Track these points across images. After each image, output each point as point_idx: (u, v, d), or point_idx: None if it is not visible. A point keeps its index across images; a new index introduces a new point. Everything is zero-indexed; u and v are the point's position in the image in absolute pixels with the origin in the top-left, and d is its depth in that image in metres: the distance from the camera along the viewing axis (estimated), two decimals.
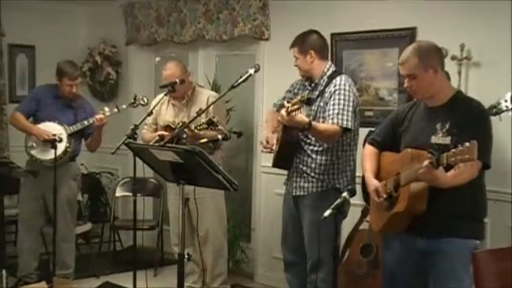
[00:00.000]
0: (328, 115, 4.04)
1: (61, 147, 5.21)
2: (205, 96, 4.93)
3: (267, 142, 4.34)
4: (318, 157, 4.17)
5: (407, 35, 4.71)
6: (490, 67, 4.27)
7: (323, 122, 4.06)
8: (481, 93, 3.89)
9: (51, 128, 5.22)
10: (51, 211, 5.27)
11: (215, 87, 5.95)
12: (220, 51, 6.28)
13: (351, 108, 4.03)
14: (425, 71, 3.16)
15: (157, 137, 4.65)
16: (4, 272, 4.60)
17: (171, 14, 6.36)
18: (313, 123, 3.91)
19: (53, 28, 6.89)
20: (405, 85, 3.28)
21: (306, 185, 4.23)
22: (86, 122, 5.25)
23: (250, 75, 3.99)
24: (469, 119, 3.08)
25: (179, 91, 4.82)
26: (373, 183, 3.37)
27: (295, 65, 4.33)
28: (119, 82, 6.98)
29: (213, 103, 4.35)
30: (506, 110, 3.13)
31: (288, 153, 4.23)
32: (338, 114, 4.00)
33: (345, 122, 3.99)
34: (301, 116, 3.84)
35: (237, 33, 5.77)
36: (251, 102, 5.95)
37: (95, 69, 6.96)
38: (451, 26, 4.32)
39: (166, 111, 4.99)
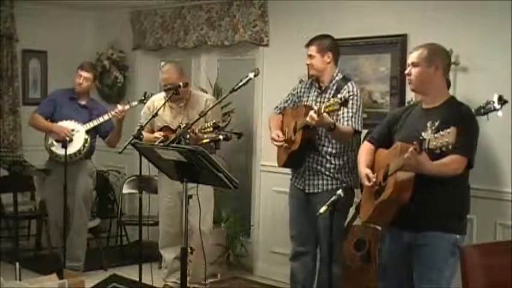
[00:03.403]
0: (343, 117, 4.12)
1: (79, 143, 5.27)
2: (203, 99, 4.89)
3: (278, 136, 4.34)
4: (333, 158, 4.23)
5: (398, 41, 4.72)
6: (477, 72, 4.27)
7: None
8: (468, 97, 3.90)
9: (69, 125, 5.29)
10: (70, 205, 5.31)
11: (217, 90, 5.95)
12: (222, 56, 6.28)
13: (361, 113, 4.17)
14: (428, 64, 3.22)
15: (162, 137, 4.63)
16: (17, 264, 4.59)
17: (175, 21, 6.36)
18: (337, 124, 4.01)
19: (64, 34, 6.89)
20: (406, 71, 3.33)
21: (320, 182, 4.27)
22: (101, 119, 5.31)
23: (250, 79, 3.99)
24: (456, 119, 3.09)
25: (180, 93, 4.77)
26: (364, 170, 3.40)
27: (308, 64, 4.32)
28: (126, 85, 6.98)
29: (214, 105, 4.33)
30: (494, 110, 3.14)
31: (302, 152, 4.25)
32: (352, 117, 4.11)
33: (357, 125, 4.14)
34: (329, 118, 3.89)
35: (238, 39, 5.77)
36: (251, 105, 5.94)
37: (103, 73, 6.95)
38: (440, 33, 4.31)
39: (163, 113, 4.88)
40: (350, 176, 4.28)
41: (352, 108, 4.12)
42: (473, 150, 3.16)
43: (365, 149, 3.56)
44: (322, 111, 3.80)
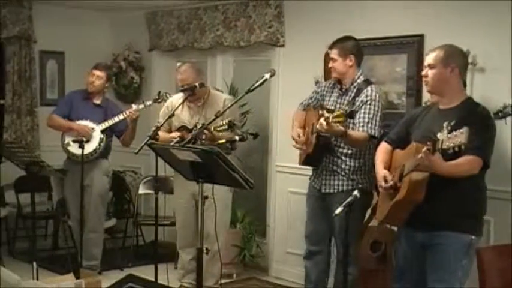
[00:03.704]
0: (359, 122, 4.11)
1: (95, 142, 5.33)
2: (221, 99, 4.88)
3: (299, 137, 4.35)
4: (348, 159, 4.24)
5: (415, 42, 4.69)
6: (495, 72, 4.23)
7: (352, 128, 4.11)
8: (486, 98, 3.86)
9: (85, 124, 5.35)
10: (86, 205, 5.36)
11: (232, 91, 5.95)
12: (238, 57, 6.28)
13: (378, 118, 4.13)
14: (444, 66, 3.23)
15: (178, 138, 4.62)
16: (35, 264, 4.62)
17: (191, 22, 6.37)
18: (348, 131, 3.97)
19: (81, 35, 6.93)
20: (422, 73, 3.35)
21: (336, 183, 4.28)
22: (116, 118, 5.36)
23: (266, 79, 3.98)
24: (472, 119, 3.08)
25: (197, 94, 4.79)
26: (381, 172, 3.39)
27: (330, 67, 4.31)
28: (142, 86, 7.00)
29: (231, 105, 4.30)
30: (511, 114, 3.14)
31: (318, 154, 4.27)
32: (368, 123, 4.09)
33: (372, 131, 4.11)
34: (339, 126, 3.85)
35: (254, 39, 5.77)
36: (266, 105, 5.94)
37: (120, 74, 6.98)
38: (457, 33, 4.28)
39: (181, 113, 4.87)
40: (367, 178, 4.27)
41: (368, 113, 4.10)
42: (488, 150, 3.14)
43: (382, 150, 3.56)
44: (330, 121, 3.80)
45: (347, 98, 4.26)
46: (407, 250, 3.39)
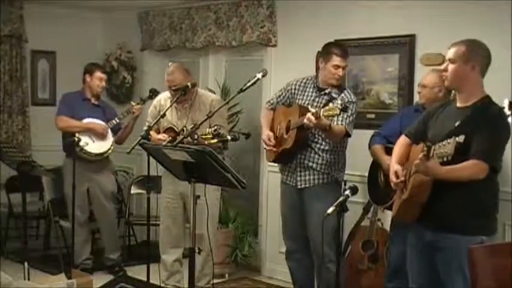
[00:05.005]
0: (338, 119, 4.16)
1: (109, 141, 5.48)
2: (208, 100, 4.80)
3: (269, 140, 4.43)
4: (325, 155, 4.34)
5: (407, 42, 4.70)
6: (488, 72, 4.22)
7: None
8: None
9: (100, 123, 5.47)
10: (93, 204, 5.58)
11: (224, 91, 5.94)
12: (230, 57, 6.27)
13: (354, 119, 4.29)
14: (465, 62, 3.13)
15: (170, 138, 4.59)
16: (26, 264, 4.59)
17: (183, 21, 6.35)
18: (333, 125, 4.07)
19: (73, 35, 6.89)
20: (442, 66, 3.27)
21: (312, 177, 4.36)
22: (121, 116, 5.48)
23: (258, 79, 3.99)
24: (483, 121, 3.04)
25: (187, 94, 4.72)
26: (393, 166, 3.34)
27: (344, 74, 4.43)
28: (134, 85, 6.98)
29: (219, 108, 4.26)
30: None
31: (296, 150, 4.32)
32: (347, 120, 4.21)
33: (350, 129, 4.26)
34: (325, 120, 3.95)
35: (246, 39, 5.76)
36: (259, 105, 5.90)
37: (112, 74, 6.95)
38: (449, 33, 4.27)
39: (168, 114, 4.78)
40: (340, 172, 4.43)
41: (348, 113, 4.17)
42: (496, 154, 3.06)
43: (400, 144, 3.46)
44: (322, 115, 3.84)
45: (326, 97, 4.33)
46: (412, 246, 3.33)
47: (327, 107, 3.86)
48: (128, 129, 5.52)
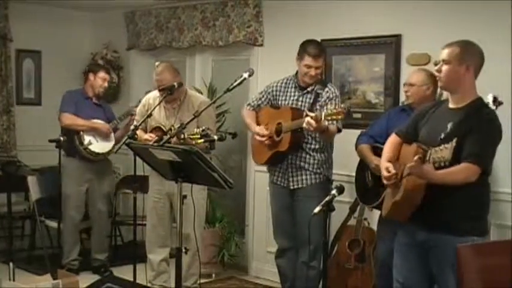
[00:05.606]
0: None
1: (112, 140, 5.51)
2: (197, 101, 4.77)
3: (262, 132, 4.43)
4: (316, 154, 4.37)
5: (393, 42, 4.71)
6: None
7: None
8: None
9: (104, 123, 5.52)
10: (89, 205, 5.64)
11: (211, 90, 5.93)
12: (216, 56, 6.26)
13: None
14: (459, 63, 3.12)
15: (157, 137, 4.57)
16: (11, 264, 4.56)
17: (170, 21, 6.33)
18: (329, 127, 4.12)
19: (59, 34, 6.85)
20: (435, 68, 3.24)
21: (304, 177, 4.38)
22: (122, 117, 5.54)
23: (245, 79, 3.99)
24: (475, 123, 3.03)
25: (174, 94, 4.71)
26: (384, 163, 3.31)
27: (317, 74, 4.38)
28: (120, 85, 6.95)
29: (206, 107, 4.25)
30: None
31: (291, 152, 4.34)
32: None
33: (340, 126, 4.30)
34: (333, 123, 4.07)
35: (232, 39, 5.75)
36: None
37: None
38: (435, 33, 4.30)
39: (157, 113, 4.78)
40: (330, 170, 4.48)
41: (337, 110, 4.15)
42: (487, 158, 3.06)
43: (390, 142, 3.44)
44: (323, 118, 3.86)
45: (309, 95, 4.37)
46: (404, 245, 3.32)
47: (328, 111, 3.88)
48: (127, 129, 5.45)
